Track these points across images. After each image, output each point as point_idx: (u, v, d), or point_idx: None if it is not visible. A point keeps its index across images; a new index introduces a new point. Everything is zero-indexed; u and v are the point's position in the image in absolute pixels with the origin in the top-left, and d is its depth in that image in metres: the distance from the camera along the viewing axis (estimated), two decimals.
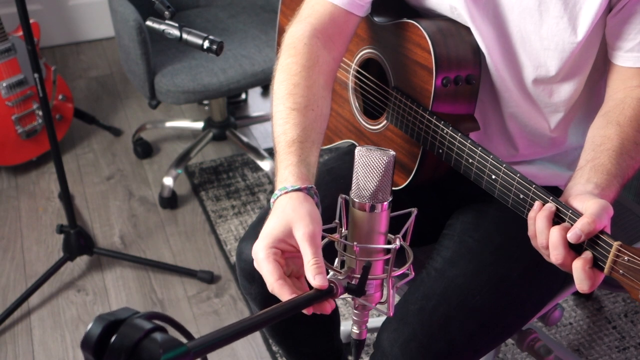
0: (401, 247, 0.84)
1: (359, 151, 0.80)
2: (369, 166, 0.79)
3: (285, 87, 1.06)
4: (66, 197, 1.93)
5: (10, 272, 2.13)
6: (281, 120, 1.04)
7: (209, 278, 2.08)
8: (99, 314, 0.59)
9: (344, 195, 0.85)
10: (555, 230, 0.88)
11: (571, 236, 0.86)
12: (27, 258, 2.19)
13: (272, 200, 0.95)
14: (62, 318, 1.98)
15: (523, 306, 1.21)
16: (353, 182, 0.81)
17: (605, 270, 0.85)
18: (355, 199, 0.81)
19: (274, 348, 1.87)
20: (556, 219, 0.91)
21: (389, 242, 0.84)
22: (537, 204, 0.93)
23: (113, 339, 0.58)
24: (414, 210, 0.86)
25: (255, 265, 0.89)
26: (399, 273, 0.84)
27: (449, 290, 1.14)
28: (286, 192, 0.92)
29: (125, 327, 0.58)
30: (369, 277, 0.82)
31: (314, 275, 0.82)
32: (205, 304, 2.03)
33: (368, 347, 1.88)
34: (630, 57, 1.08)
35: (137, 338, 0.57)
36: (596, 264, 0.86)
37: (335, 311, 1.46)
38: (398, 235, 0.84)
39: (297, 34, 1.13)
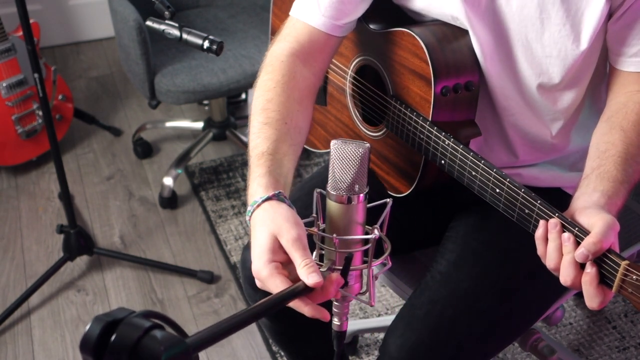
0: (379, 237, 0.85)
1: (334, 144, 0.81)
2: (344, 159, 0.80)
3: (260, 102, 1.07)
4: (66, 197, 1.93)
5: (10, 272, 2.13)
6: (253, 135, 1.04)
7: (209, 278, 2.08)
8: (98, 314, 0.59)
9: (319, 190, 0.86)
10: (568, 255, 0.88)
11: (578, 255, 0.86)
12: (27, 258, 2.18)
13: (247, 217, 0.94)
14: (62, 318, 1.98)
15: (529, 307, 1.20)
16: (329, 175, 0.82)
17: (614, 288, 0.85)
18: (332, 192, 0.82)
19: (274, 348, 1.87)
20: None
21: (366, 233, 0.85)
22: (542, 223, 0.92)
23: (113, 338, 0.58)
24: (389, 201, 0.87)
25: (260, 285, 0.88)
26: (377, 263, 0.86)
27: (455, 293, 1.14)
28: (258, 206, 0.92)
29: (124, 326, 0.58)
30: (350, 268, 0.83)
31: (307, 275, 0.81)
32: (205, 304, 2.03)
33: (369, 347, 1.88)
34: (633, 62, 1.07)
35: (137, 336, 0.57)
36: (604, 282, 0.86)
37: None
38: (376, 226, 0.86)
39: (276, 53, 1.13)
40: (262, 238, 0.88)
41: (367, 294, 0.87)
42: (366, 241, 0.84)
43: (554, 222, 0.90)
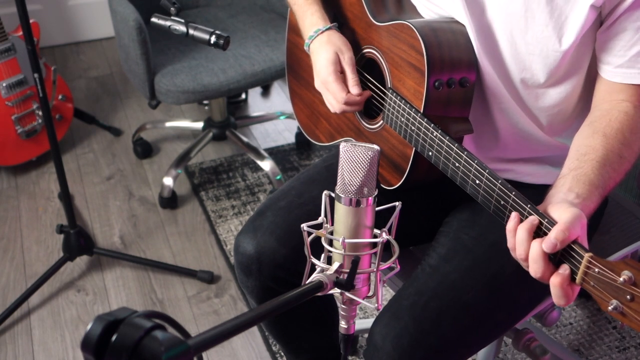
0: (387, 240, 0.85)
1: (343, 147, 0.81)
2: (353, 162, 0.81)
3: None
4: (66, 197, 1.93)
5: (10, 272, 2.13)
6: None
7: (209, 278, 2.08)
8: (98, 314, 0.59)
9: (328, 192, 0.86)
10: (536, 244, 0.88)
11: (546, 245, 0.86)
12: (27, 258, 2.19)
13: (308, 42, 1.27)
14: (62, 318, 1.98)
15: (516, 303, 1.21)
16: (338, 177, 0.82)
17: (577, 281, 0.85)
18: (341, 194, 0.82)
19: (274, 348, 1.87)
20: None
21: (374, 237, 0.85)
22: (513, 214, 0.93)
23: (114, 338, 0.58)
24: (398, 204, 0.87)
25: (325, 88, 1.23)
26: (385, 267, 0.86)
27: (442, 286, 1.15)
28: (322, 32, 1.26)
29: (125, 326, 0.58)
30: (357, 271, 0.82)
31: (352, 87, 1.22)
32: (205, 304, 2.03)
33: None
34: (618, 73, 1.08)
35: (138, 337, 0.57)
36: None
37: (333, 307, 1.47)
38: (384, 229, 0.86)
39: None
40: (328, 53, 1.23)
41: (375, 297, 0.87)
42: (374, 244, 0.84)
43: (532, 218, 0.91)
